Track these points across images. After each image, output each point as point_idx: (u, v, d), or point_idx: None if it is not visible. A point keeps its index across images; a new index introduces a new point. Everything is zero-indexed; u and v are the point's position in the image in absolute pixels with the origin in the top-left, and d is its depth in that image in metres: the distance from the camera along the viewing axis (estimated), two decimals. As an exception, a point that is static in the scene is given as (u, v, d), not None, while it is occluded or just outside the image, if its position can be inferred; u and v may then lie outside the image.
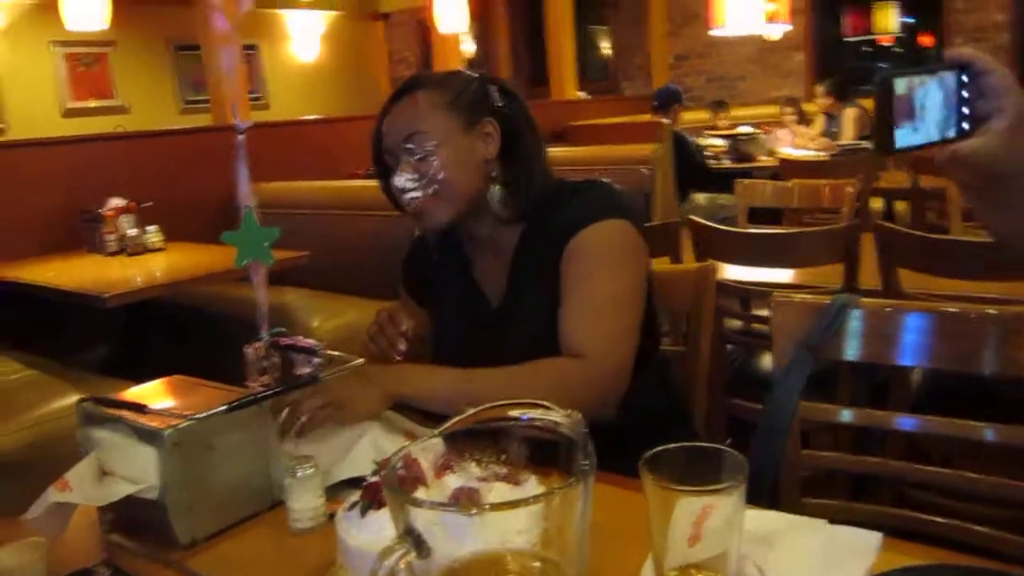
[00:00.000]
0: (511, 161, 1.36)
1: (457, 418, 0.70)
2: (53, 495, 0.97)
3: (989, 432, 1.17)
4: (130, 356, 3.69)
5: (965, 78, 0.80)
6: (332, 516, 1.03)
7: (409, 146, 1.31)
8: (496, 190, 1.35)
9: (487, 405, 0.70)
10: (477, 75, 1.40)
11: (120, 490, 0.99)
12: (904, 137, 0.77)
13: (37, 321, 3.36)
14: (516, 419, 0.71)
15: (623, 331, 1.29)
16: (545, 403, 0.69)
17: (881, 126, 0.77)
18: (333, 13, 10.36)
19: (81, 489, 0.99)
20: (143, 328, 3.68)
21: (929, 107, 0.78)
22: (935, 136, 0.79)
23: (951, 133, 0.80)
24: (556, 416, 0.68)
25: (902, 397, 1.95)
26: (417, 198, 1.32)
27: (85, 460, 1.04)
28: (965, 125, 0.80)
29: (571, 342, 1.27)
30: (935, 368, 1.28)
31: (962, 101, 0.80)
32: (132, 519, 1.03)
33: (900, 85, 0.77)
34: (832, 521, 0.96)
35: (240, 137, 1.13)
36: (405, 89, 1.36)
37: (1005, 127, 0.79)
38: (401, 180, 1.31)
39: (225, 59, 1.06)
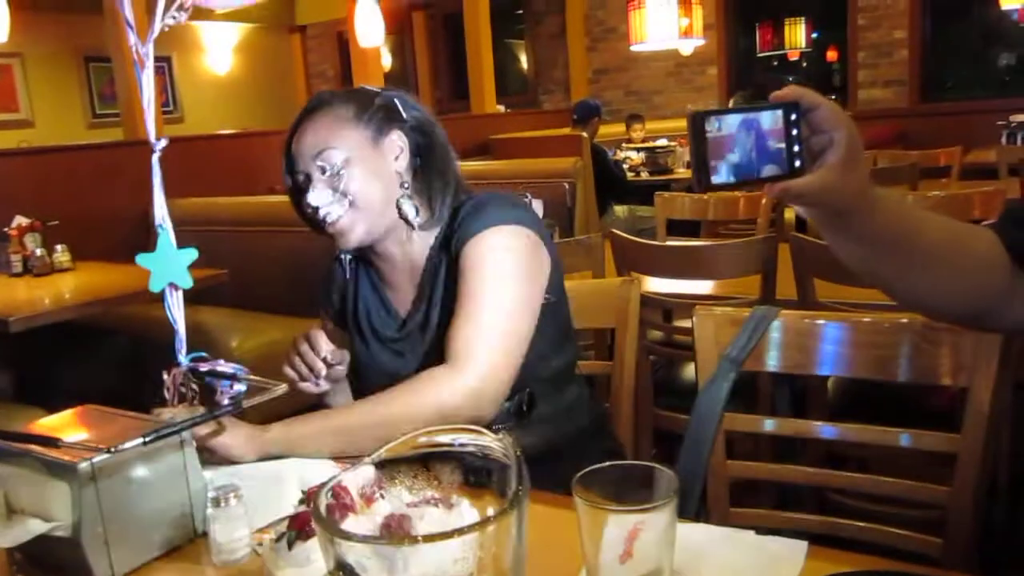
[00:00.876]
0: (422, 171, 1.38)
1: (389, 445, 0.69)
2: (-43, 536, 0.92)
3: (905, 437, 1.21)
4: (39, 381, 3.54)
5: (794, 116, 0.79)
6: (257, 547, 1.00)
7: (320, 163, 1.31)
8: (409, 202, 1.35)
9: (413, 432, 0.69)
10: (380, 89, 1.41)
11: (31, 528, 0.94)
12: (722, 174, 0.77)
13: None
14: (448, 444, 0.70)
15: (505, 336, 1.26)
16: (476, 428, 0.68)
17: (696, 163, 0.77)
18: (248, 25, 10.19)
19: (-12, 529, 0.94)
20: (50, 352, 3.54)
21: (751, 144, 0.78)
22: (760, 173, 0.79)
23: (781, 170, 0.80)
24: (488, 440, 0.67)
25: (819, 405, 2.00)
26: (332, 214, 1.31)
27: (-9, 498, 0.99)
28: (797, 162, 0.80)
29: (448, 349, 1.26)
30: (853, 377, 1.33)
31: (792, 138, 0.79)
32: (44, 558, 0.98)
33: (714, 122, 0.76)
34: (758, 531, 0.98)
35: (155, 156, 1.09)
36: (311, 108, 1.36)
37: (838, 161, 0.79)
38: (315, 198, 1.31)
39: (139, 77, 1.01)
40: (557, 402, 1.40)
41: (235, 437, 1.18)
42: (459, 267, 1.31)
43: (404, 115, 1.38)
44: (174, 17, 1.13)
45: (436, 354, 1.30)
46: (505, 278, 1.29)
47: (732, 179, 0.77)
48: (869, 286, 0.97)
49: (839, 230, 0.86)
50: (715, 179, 0.76)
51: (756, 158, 0.78)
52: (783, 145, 0.79)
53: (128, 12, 1.07)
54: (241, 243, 3.45)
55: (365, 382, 1.41)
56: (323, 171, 1.31)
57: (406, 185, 1.36)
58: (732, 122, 0.77)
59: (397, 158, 1.36)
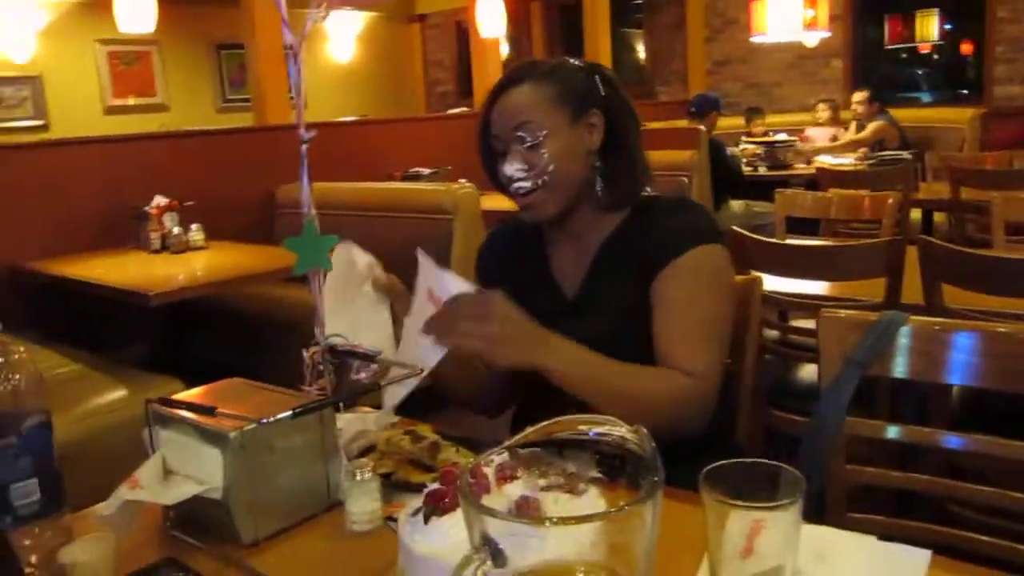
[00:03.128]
0: (613, 151, 1.39)
1: (526, 431, 0.72)
2: (125, 493, 1.01)
3: (1036, 452, 1.17)
4: (170, 352, 3.76)
5: None
6: (389, 519, 1.06)
7: (520, 134, 1.34)
8: (599, 181, 1.38)
9: (555, 420, 0.72)
10: (583, 65, 1.42)
11: (187, 490, 1.02)
12: None
13: (78, 315, 3.44)
14: (584, 433, 0.73)
15: (721, 354, 1.33)
16: (612, 419, 0.71)
17: None
18: (370, 14, 10.44)
19: (151, 488, 1.02)
20: (186, 324, 3.74)
21: None
22: None
23: None
24: (623, 431, 0.70)
25: (941, 414, 1.94)
26: (525, 188, 1.35)
27: (152, 459, 1.07)
28: None
29: (678, 360, 1.29)
30: (977, 387, 1.29)
31: None
32: (195, 517, 1.07)
33: None
34: (879, 537, 0.98)
35: (303, 147, 1.15)
36: (515, 79, 1.38)
37: None
38: (511, 169, 1.34)
39: (292, 71, 1.08)
40: None
41: (516, 345, 1.16)
42: (670, 274, 1.33)
43: (602, 92, 1.40)
44: (320, 15, 1.19)
45: (605, 331, 1.33)
46: (723, 298, 1.36)
47: None
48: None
49: None
50: None
51: None
52: None
53: (284, 10, 1.14)
54: (360, 228, 3.51)
55: None
56: (521, 143, 1.34)
57: (597, 165, 1.38)
58: None
59: (592, 136, 1.38)
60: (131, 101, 8.51)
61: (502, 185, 1.40)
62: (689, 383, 1.27)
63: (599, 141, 1.38)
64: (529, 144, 1.33)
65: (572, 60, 1.43)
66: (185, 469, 1.07)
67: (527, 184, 1.34)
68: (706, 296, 1.34)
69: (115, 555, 0.96)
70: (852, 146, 5.86)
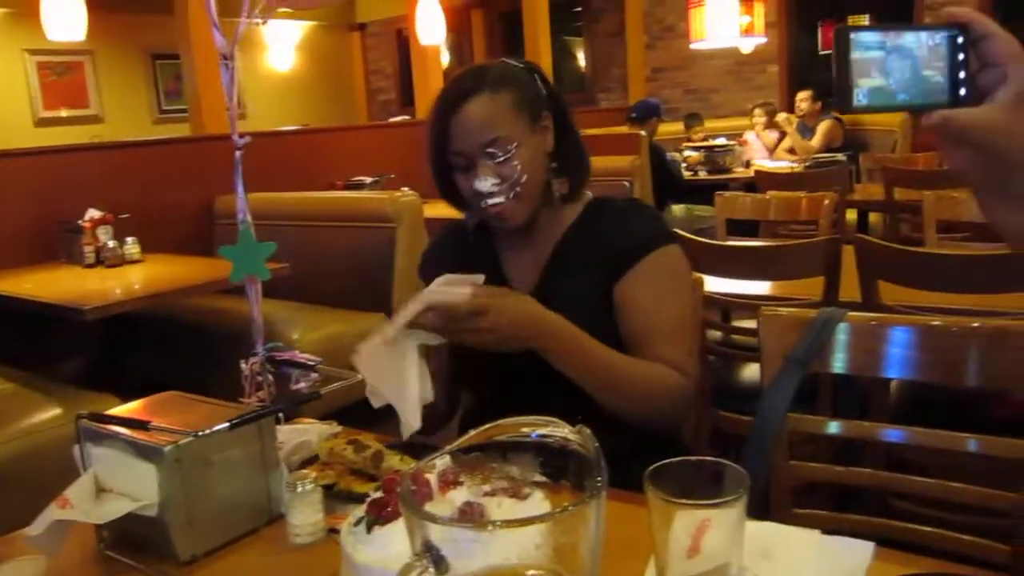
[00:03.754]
0: (564, 148, 1.40)
1: (468, 435, 0.71)
2: (54, 513, 0.97)
3: (972, 443, 1.20)
4: (106, 369, 3.66)
5: (961, 40, 0.70)
6: (332, 531, 1.03)
7: (491, 150, 1.32)
8: (556, 180, 1.39)
9: (500, 422, 0.71)
10: (523, 65, 1.41)
11: (120, 507, 0.99)
12: (868, 95, 0.70)
13: (8, 333, 3.33)
14: (527, 436, 0.72)
15: (695, 350, 1.34)
16: (554, 420, 0.70)
17: (839, 82, 0.70)
18: (309, 23, 10.35)
19: (82, 506, 0.99)
20: (121, 341, 3.65)
21: (906, 67, 0.70)
22: (916, 99, 0.71)
23: (942, 98, 0.70)
24: (566, 432, 0.69)
25: (881, 409, 1.98)
26: (500, 201, 1.34)
27: (84, 477, 1.04)
28: (963, 91, 0.70)
29: (665, 359, 1.32)
30: (914, 380, 1.32)
31: (958, 65, 0.70)
32: (130, 536, 1.03)
33: (863, 39, 0.70)
34: (823, 532, 0.98)
35: (238, 153, 1.13)
36: (469, 89, 1.34)
37: (1011, 99, 0.67)
38: (484, 185, 1.32)
39: (225, 76, 1.06)
40: None
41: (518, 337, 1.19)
42: (637, 276, 1.35)
43: (544, 91, 1.40)
44: (257, 20, 1.17)
45: (573, 321, 1.32)
46: (689, 297, 1.43)
47: (879, 102, 0.71)
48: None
49: (1003, 191, 0.71)
50: (859, 101, 0.70)
51: (911, 83, 0.70)
52: (945, 72, 0.70)
53: (214, 14, 1.11)
54: (302, 238, 3.51)
55: (470, 357, 1.39)
56: (492, 157, 1.32)
57: (553, 165, 1.39)
58: (884, 41, 0.70)
59: (547, 138, 1.38)
60: (63, 113, 8.30)
61: (461, 198, 1.39)
62: (681, 379, 1.32)
63: (552, 142, 1.39)
64: (501, 159, 1.32)
65: (511, 61, 1.42)
66: (119, 487, 1.04)
67: (500, 199, 1.33)
68: (675, 296, 1.38)
69: (45, 578, 0.93)
70: (806, 153, 5.96)
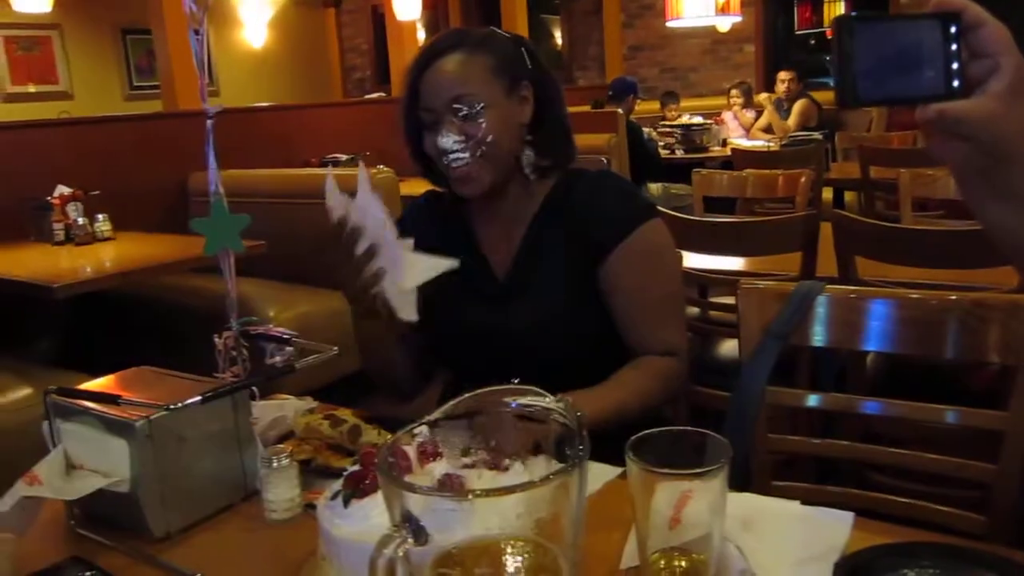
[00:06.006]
0: (542, 125, 1.38)
1: (448, 404, 0.70)
2: (22, 489, 0.95)
3: (950, 415, 1.20)
4: (77, 349, 3.60)
5: (954, 30, 0.68)
6: (308, 506, 1.02)
7: (457, 106, 1.30)
8: (530, 154, 1.37)
9: (481, 390, 0.70)
10: (511, 36, 1.40)
11: (91, 483, 0.97)
12: (870, 89, 0.68)
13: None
14: (506, 405, 0.71)
15: (686, 324, 1.42)
16: (536, 389, 0.69)
17: (839, 75, 0.68)
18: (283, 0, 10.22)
19: (51, 483, 0.96)
20: (92, 319, 3.60)
21: (903, 58, 0.69)
22: (913, 92, 0.69)
23: (936, 90, 0.69)
24: (548, 402, 0.68)
25: (859, 382, 1.99)
26: (462, 159, 1.30)
27: (53, 453, 1.01)
28: (955, 83, 0.69)
29: (658, 342, 1.36)
30: (891, 354, 1.32)
31: (951, 56, 0.69)
32: (102, 513, 1.01)
33: (862, 30, 0.68)
34: (802, 503, 0.99)
35: (209, 122, 1.10)
36: (446, 46, 1.34)
37: (1002, 89, 0.67)
38: (448, 141, 1.30)
39: (194, 44, 1.03)
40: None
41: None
42: (622, 256, 1.34)
43: (529, 65, 1.38)
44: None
45: (541, 314, 1.35)
46: (676, 272, 1.47)
47: (880, 95, 0.69)
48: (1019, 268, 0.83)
49: (990, 184, 0.72)
50: (862, 94, 0.68)
51: (908, 74, 0.69)
52: (939, 62, 0.69)
53: (184, -23, 1.08)
54: (277, 215, 3.46)
55: (447, 334, 1.41)
56: (457, 113, 1.30)
57: (528, 138, 1.37)
58: (882, 31, 0.68)
59: (524, 109, 1.36)
60: (31, 89, 8.15)
61: (427, 158, 1.36)
62: (674, 363, 1.35)
63: (530, 114, 1.37)
64: (465, 114, 1.29)
65: (499, 31, 1.41)
66: (89, 463, 1.02)
67: (465, 155, 1.30)
68: (663, 273, 1.40)
69: (15, 556, 0.91)
70: (782, 132, 5.98)
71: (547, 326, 1.34)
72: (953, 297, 1.21)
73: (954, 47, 0.68)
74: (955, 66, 0.68)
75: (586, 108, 6.09)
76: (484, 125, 1.29)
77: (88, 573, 0.91)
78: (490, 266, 1.42)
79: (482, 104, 1.29)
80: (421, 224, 1.46)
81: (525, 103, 1.36)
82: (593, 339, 1.37)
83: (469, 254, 1.40)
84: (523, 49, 1.39)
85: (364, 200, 1.14)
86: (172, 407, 0.96)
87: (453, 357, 1.46)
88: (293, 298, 3.35)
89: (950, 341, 1.22)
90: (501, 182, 1.36)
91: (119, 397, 0.98)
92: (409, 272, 1.14)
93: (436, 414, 0.72)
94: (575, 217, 1.37)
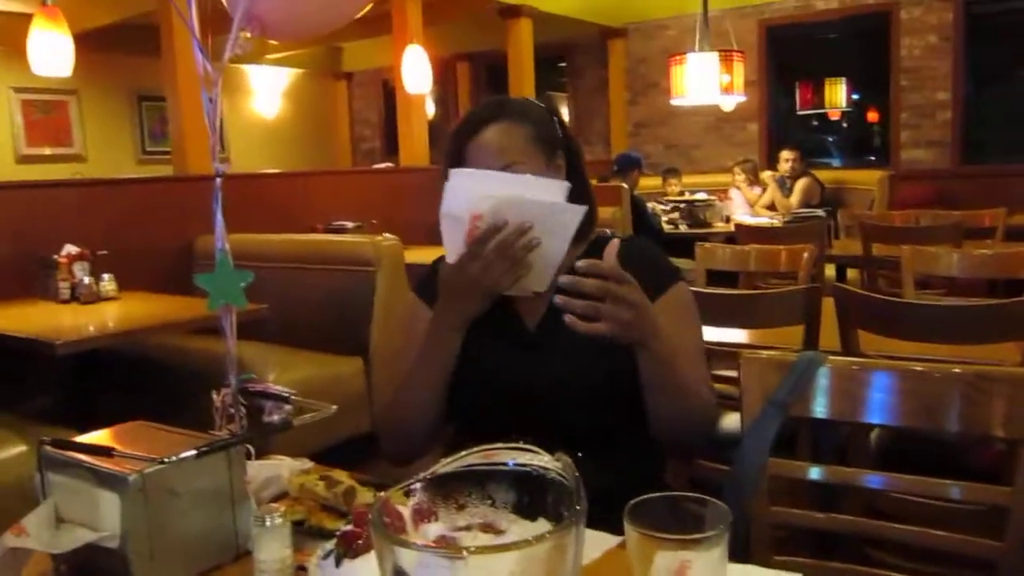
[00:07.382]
0: (574, 191, 1.37)
1: (445, 461, 0.69)
2: (8, 540, 0.93)
3: (955, 490, 1.18)
4: (78, 407, 3.58)
5: None
6: (300, 568, 1.00)
7: None
8: None
9: (475, 449, 0.69)
10: (544, 106, 1.45)
11: (79, 537, 0.95)
12: None
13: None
14: (503, 464, 0.70)
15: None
16: (533, 448, 0.68)
17: None
18: (296, 70, 10.44)
19: (38, 535, 0.95)
20: (93, 378, 3.59)
21: None
22: None
23: None
24: (545, 461, 0.67)
25: (861, 456, 1.96)
26: None
27: (42, 506, 1.00)
28: None
29: (692, 383, 1.34)
30: (894, 429, 1.31)
31: None
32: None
33: None
34: (805, 577, 0.96)
35: (218, 180, 1.11)
36: (490, 116, 1.38)
37: None
38: None
39: (207, 105, 1.05)
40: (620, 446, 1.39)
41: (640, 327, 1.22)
42: (658, 309, 1.33)
43: (560, 134, 1.42)
44: (240, 47, 1.16)
45: (572, 365, 1.35)
46: (701, 331, 1.45)
47: None
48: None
49: None
50: None
51: None
52: None
53: (196, 31, 1.11)
54: (282, 279, 3.49)
55: (477, 383, 1.39)
56: None
57: None
58: None
59: (559, 177, 1.39)
60: (46, 151, 8.28)
61: None
62: (709, 394, 1.36)
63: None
64: None
65: (533, 101, 1.46)
66: (79, 517, 1.00)
67: None
68: (695, 327, 1.42)
69: (-3, 611, 0.89)
70: (785, 210, 6.04)
71: (577, 378, 1.33)
72: (956, 370, 1.21)
73: None
74: None
75: (593, 182, 6.17)
76: None
77: (71, 631, 0.90)
78: (521, 317, 1.42)
79: (527, 173, 1.32)
80: None
81: (560, 172, 1.40)
82: (621, 396, 1.35)
83: (500, 303, 1.40)
84: (555, 118, 1.43)
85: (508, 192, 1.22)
86: (166, 460, 0.94)
87: (473, 407, 1.43)
88: (294, 361, 3.34)
89: (953, 415, 1.21)
90: None
91: (113, 449, 0.97)
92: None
93: (432, 470, 0.71)
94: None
